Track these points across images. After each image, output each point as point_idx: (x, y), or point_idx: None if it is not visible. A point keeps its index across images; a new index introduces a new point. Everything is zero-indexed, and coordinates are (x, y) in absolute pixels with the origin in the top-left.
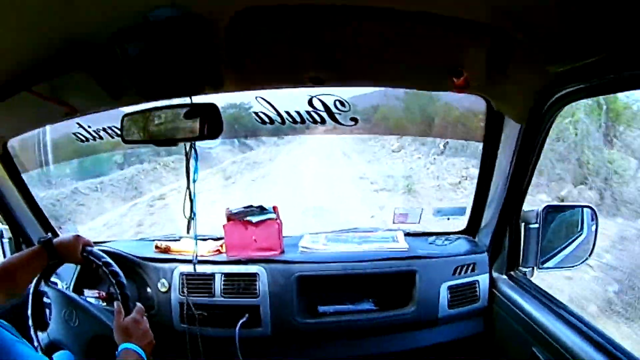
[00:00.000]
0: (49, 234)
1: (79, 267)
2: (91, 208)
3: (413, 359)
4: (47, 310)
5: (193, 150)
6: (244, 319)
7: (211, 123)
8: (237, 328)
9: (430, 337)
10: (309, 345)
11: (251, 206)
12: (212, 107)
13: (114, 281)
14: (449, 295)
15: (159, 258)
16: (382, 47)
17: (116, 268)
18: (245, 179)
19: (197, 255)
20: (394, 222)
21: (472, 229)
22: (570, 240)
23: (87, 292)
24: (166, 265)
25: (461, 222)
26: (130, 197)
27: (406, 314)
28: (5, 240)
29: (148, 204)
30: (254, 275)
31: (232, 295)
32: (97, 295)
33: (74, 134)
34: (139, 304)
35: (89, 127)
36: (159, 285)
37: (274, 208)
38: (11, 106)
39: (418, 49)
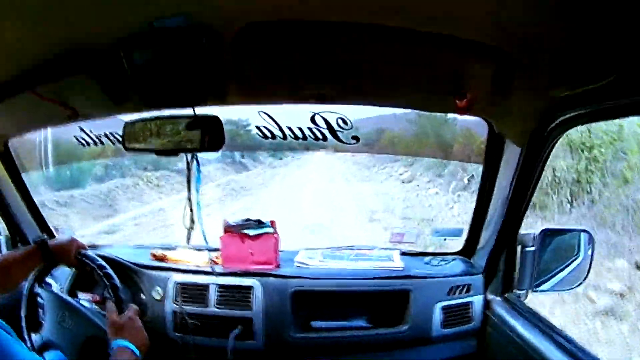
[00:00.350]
0: (45, 235)
1: (74, 270)
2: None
3: None
4: (41, 311)
5: (195, 161)
6: (237, 330)
7: (213, 135)
8: (230, 339)
9: (423, 356)
10: None
11: (249, 219)
12: (214, 119)
13: (107, 284)
14: (442, 315)
15: (154, 266)
16: (384, 66)
17: (110, 271)
18: (225, 210)
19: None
20: (390, 242)
21: (468, 250)
22: (566, 264)
23: (81, 295)
24: (161, 274)
25: (458, 243)
26: (103, 216)
27: (399, 333)
28: (2, 238)
29: (121, 225)
30: (249, 288)
31: (226, 307)
32: (90, 298)
33: (76, 137)
34: (133, 305)
35: (91, 131)
36: (154, 293)
37: (272, 222)
38: (14, 105)
39: (421, 69)
